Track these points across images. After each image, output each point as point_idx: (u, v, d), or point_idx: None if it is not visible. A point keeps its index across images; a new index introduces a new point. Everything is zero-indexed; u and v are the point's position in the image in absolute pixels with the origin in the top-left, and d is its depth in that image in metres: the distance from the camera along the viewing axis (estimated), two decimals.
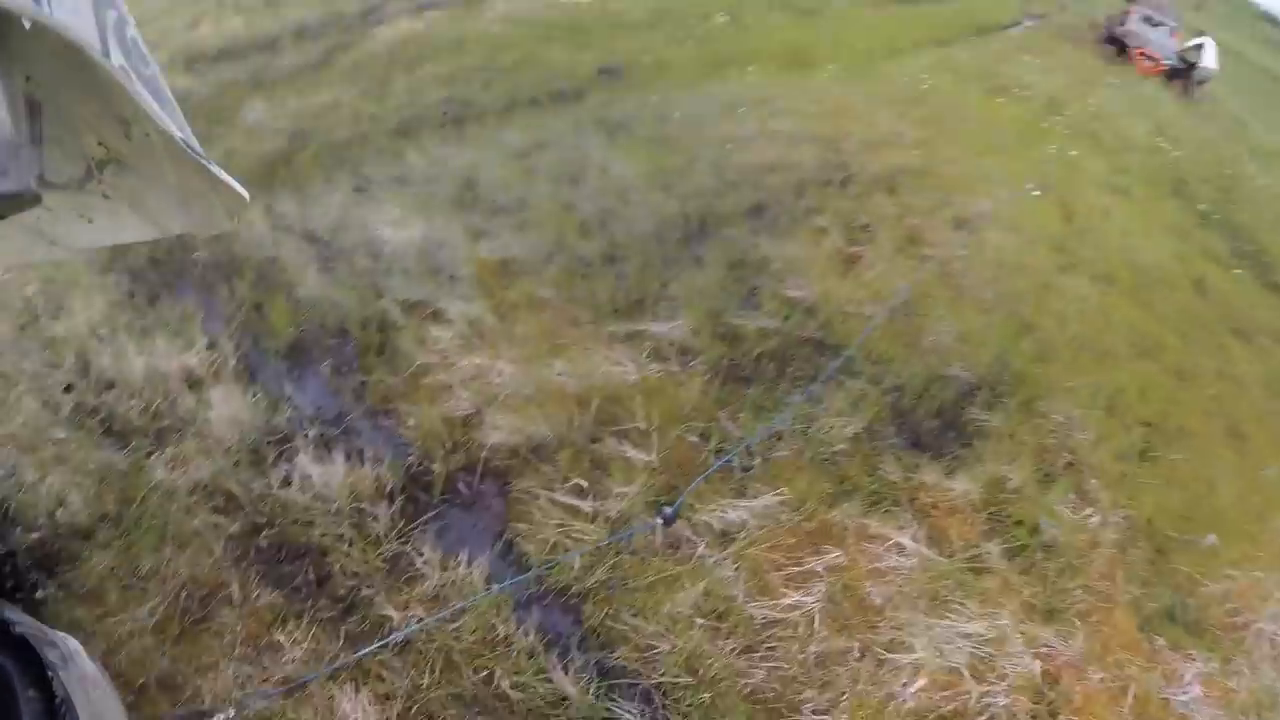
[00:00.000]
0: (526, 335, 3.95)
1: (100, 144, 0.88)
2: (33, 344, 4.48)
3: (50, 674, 0.77)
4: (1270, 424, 5.24)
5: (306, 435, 3.56)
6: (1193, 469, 4.40)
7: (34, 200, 0.73)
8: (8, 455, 3.75)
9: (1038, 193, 7.10)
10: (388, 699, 2.64)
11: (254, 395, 3.78)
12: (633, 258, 4.57)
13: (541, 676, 2.63)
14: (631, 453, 3.35)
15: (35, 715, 0.72)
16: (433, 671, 2.69)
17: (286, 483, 3.38)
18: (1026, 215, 6.60)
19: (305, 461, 3.38)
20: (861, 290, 4.77)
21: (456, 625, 2.81)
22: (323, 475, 3.31)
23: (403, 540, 3.12)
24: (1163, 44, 17.30)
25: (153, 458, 3.64)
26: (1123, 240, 6.99)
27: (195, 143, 0.91)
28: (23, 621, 0.82)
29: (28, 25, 0.59)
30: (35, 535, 3.40)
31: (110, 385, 4.07)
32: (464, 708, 2.60)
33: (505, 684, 2.62)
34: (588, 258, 4.55)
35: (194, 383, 3.96)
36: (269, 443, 3.59)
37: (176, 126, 0.85)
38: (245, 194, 1.03)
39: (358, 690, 2.66)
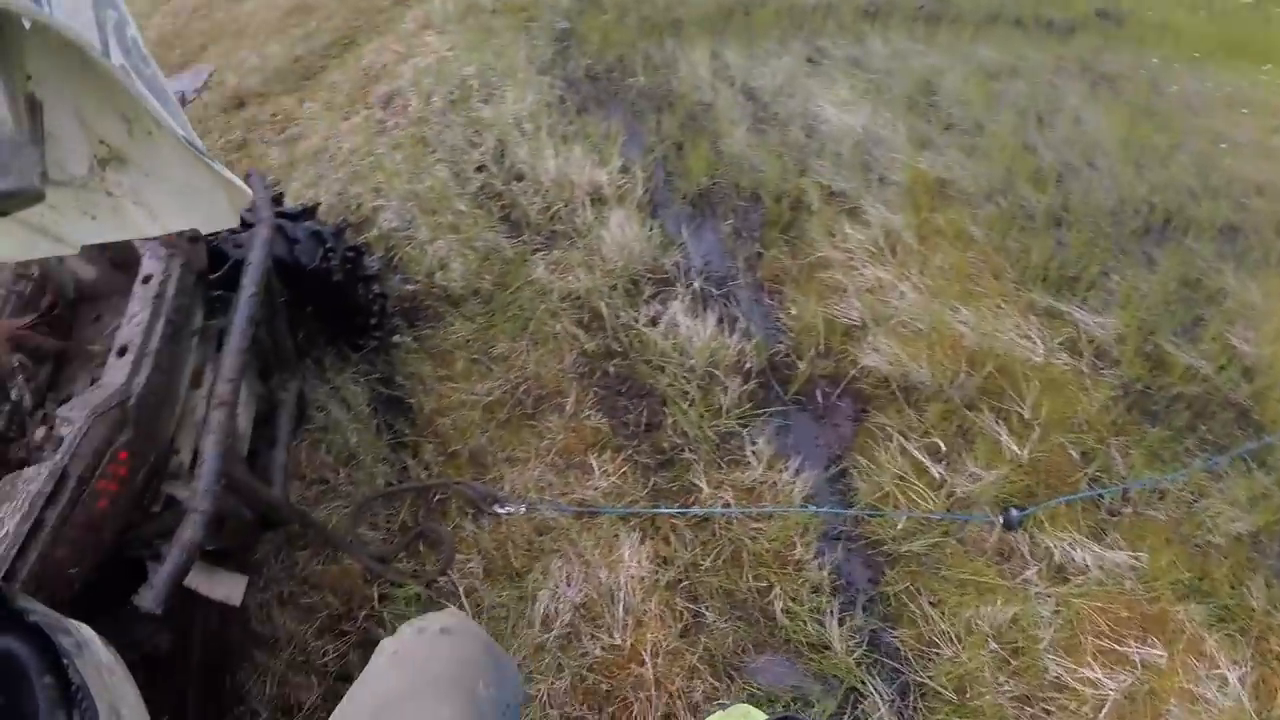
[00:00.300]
0: (942, 268, 3.59)
1: (102, 142, 0.88)
2: (459, 119, 4.75)
3: (65, 661, 0.76)
4: None
5: (689, 285, 3.50)
6: None
7: (37, 197, 0.73)
8: (410, 211, 4.01)
9: None
10: (666, 563, 2.60)
11: (650, 229, 3.80)
12: (1081, 228, 3.99)
13: (815, 615, 2.44)
14: (1005, 437, 2.96)
15: (51, 702, 0.71)
16: (717, 558, 2.60)
17: (653, 322, 3.35)
18: None
19: (678, 309, 3.33)
20: None
21: (759, 525, 2.67)
22: (690, 328, 3.25)
23: (742, 422, 3.01)
24: None
25: (538, 255, 3.75)
26: None
27: (198, 140, 0.92)
28: (36, 609, 0.81)
29: (27, 25, 0.60)
30: (411, 288, 3.61)
31: (519, 177, 4.23)
32: (730, 605, 2.49)
33: (778, 605, 2.47)
34: (1032, 210, 4.04)
35: (598, 199, 4.04)
36: (650, 279, 3.57)
37: (179, 125, 0.87)
38: (249, 190, 1.05)
39: (642, 542, 2.66)
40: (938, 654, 2.41)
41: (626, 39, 5.45)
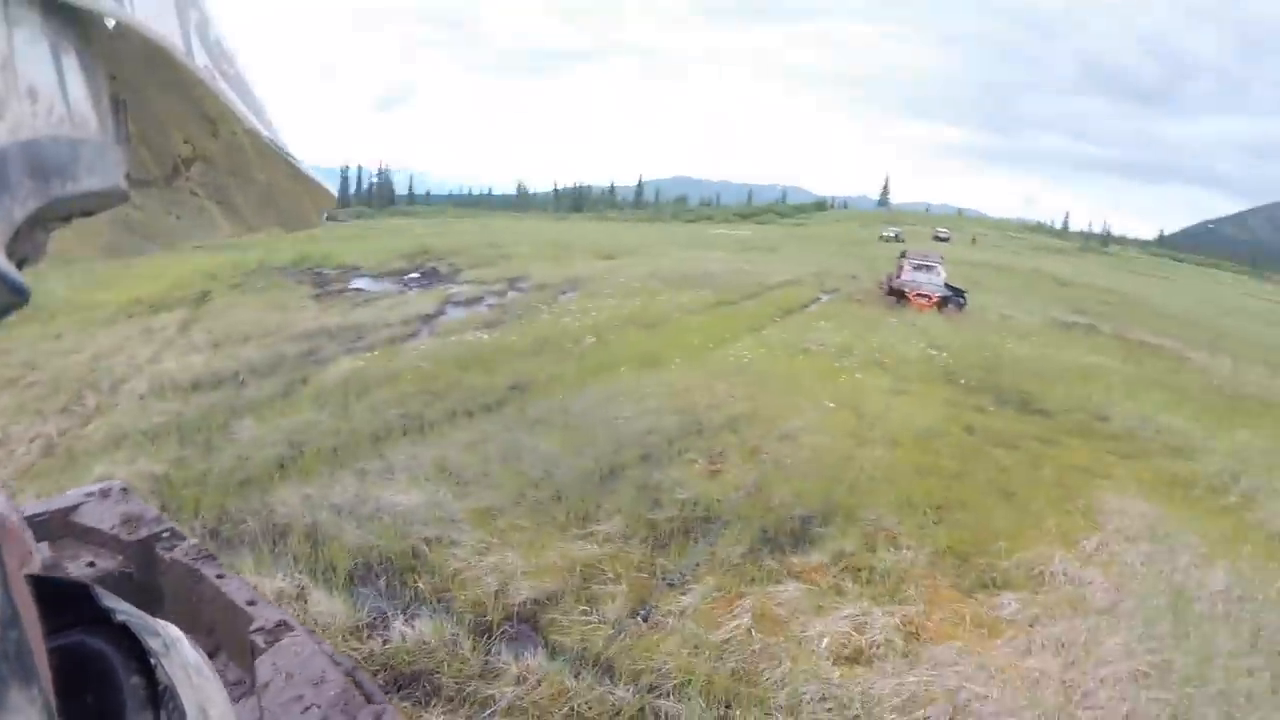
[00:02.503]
0: (519, 543, 5.83)
1: (186, 142, 0.82)
2: None
3: (153, 661, 0.68)
4: (1031, 486, 8.21)
5: (388, 617, 5.23)
6: (975, 517, 7.09)
7: (123, 197, 0.65)
8: None
9: (833, 405, 10.27)
10: None
11: (339, 600, 5.05)
12: (572, 495, 6.67)
13: None
14: (612, 588, 5.34)
15: (139, 703, 0.64)
16: None
17: (386, 641, 4.98)
18: (828, 422, 9.59)
19: (399, 624, 5.04)
20: (726, 487, 7.21)
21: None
22: (415, 631, 4.94)
23: (484, 654, 4.65)
24: (934, 282, 22.09)
25: None
26: (903, 420, 10.07)
27: (283, 141, 0.87)
28: (124, 609, 0.71)
29: (112, 25, 0.57)
30: None
31: None
32: None
33: None
34: (543, 500, 6.60)
35: (287, 599, 5.32)
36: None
37: (263, 125, 0.81)
38: (333, 191, 1.05)
39: None
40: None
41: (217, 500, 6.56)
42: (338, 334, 13.19)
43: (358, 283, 19.70)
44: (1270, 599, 6.30)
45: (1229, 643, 5.52)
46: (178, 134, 0.83)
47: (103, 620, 0.69)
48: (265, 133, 0.81)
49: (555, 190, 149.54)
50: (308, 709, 1.64)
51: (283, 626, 1.99)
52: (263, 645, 1.76)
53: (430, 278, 21.40)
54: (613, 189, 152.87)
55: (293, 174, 0.93)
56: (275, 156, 0.86)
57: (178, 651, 0.75)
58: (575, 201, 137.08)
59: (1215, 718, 4.73)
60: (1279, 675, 5.22)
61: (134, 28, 0.57)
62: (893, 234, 69.55)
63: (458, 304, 17.83)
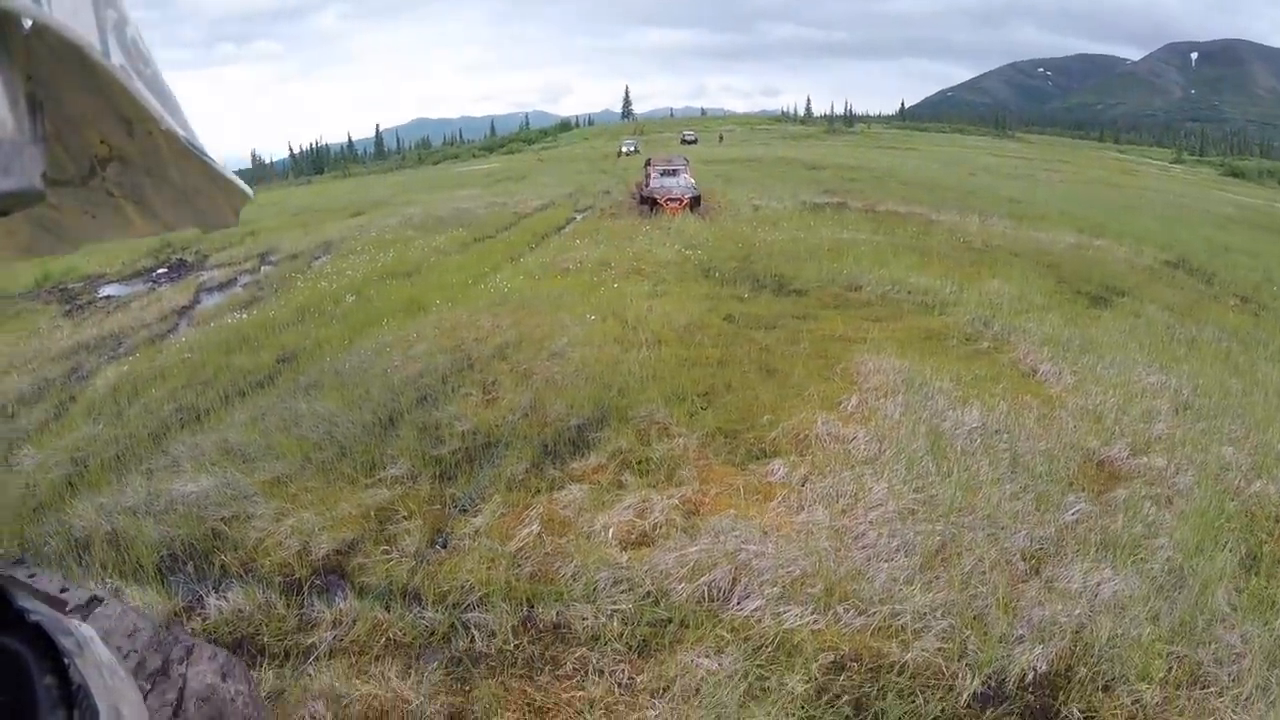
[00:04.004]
0: (313, 503, 6.06)
1: (103, 142, 0.86)
2: None
3: (66, 661, 0.74)
4: (791, 360, 8.93)
5: (202, 597, 5.41)
6: (741, 398, 7.78)
7: (38, 197, 0.70)
8: None
9: (595, 318, 10.84)
10: None
11: (153, 592, 5.09)
12: (356, 449, 7.00)
13: None
14: (407, 524, 5.77)
15: (52, 702, 0.70)
16: None
17: (205, 619, 5.31)
18: (593, 333, 10.15)
19: (214, 601, 5.28)
20: (502, 412, 7.71)
21: None
22: (230, 603, 5.22)
23: (299, 609, 4.94)
24: (681, 185, 23.01)
25: None
26: (664, 319, 10.77)
27: (199, 140, 0.90)
28: (38, 609, 0.78)
29: (27, 25, 0.58)
30: None
31: None
32: None
33: None
34: (329, 459, 6.86)
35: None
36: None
37: (179, 125, 0.84)
38: (249, 190, 1.06)
39: None
40: None
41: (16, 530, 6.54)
42: (96, 345, 12.74)
43: (106, 290, 18.72)
44: (1026, 428, 6.93)
45: (990, 472, 6.02)
46: (94, 134, 0.84)
47: (16, 621, 0.73)
48: (182, 133, 0.84)
49: (292, 154, 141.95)
50: (127, 655, 1.88)
51: (95, 600, 2.38)
52: (79, 619, 2.11)
53: (178, 269, 20.54)
54: (351, 143, 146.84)
55: (209, 174, 0.94)
56: (192, 156, 0.88)
57: (91, 651, 0.80)
58: (315, 163, 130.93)
59: (983, 539, 5.12)
60: (1040, 495, 5.73)
61: (51, 28, 0.59)
62: (631, 147, 65.57)
63: (211, 290, 17.40)
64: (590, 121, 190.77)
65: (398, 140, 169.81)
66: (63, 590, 2.16)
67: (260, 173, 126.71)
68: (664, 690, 4.04)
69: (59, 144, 0.86)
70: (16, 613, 0.77)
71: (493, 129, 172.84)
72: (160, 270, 20.42)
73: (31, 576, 2.15)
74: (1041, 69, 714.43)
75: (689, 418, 7.34)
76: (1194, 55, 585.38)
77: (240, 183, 1.03)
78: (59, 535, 6.03)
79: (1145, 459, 6.55)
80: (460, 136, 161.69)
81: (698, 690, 4.02)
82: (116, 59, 0.72)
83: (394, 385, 8.55)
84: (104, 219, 1.03)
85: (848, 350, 9.21)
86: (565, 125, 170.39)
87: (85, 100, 0.77)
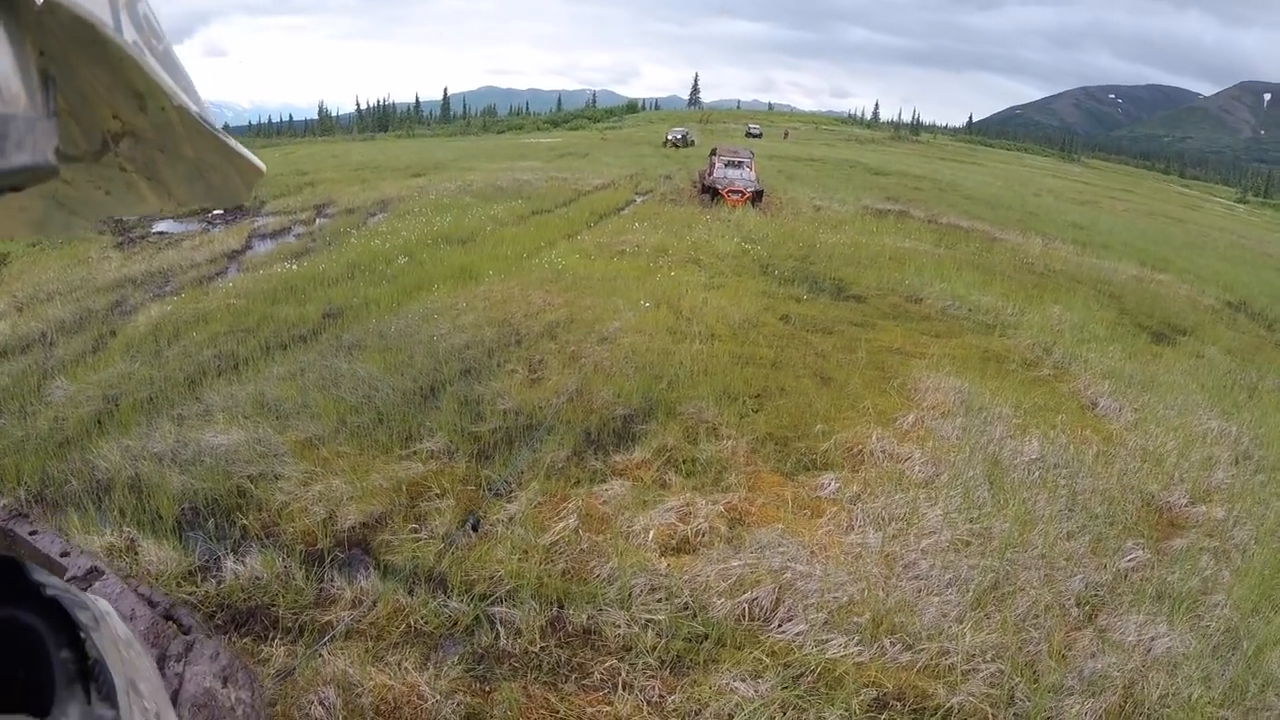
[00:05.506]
0: (344, 469, 5.86)
1: (115, 117, 0.83)
2: None
3: (83, 635, 0.73)
4: (847, 369, 8.62)
5: (219, 558, 5.20)
6: (794, 403, 7.46)
7: (51, 172, 0.68)
8: None
9: (649, 304, 10.49)
10: None
11: (169, 547, 4.92)
12: (394, 417, 6.77)
13: None
14: (439, 503, 5.50)
15: (68, 676, 0.69)
16: None
17: (220, 582, 5.01)
18: (646, 321, 9.85)
19: (231, 564, 5.04)
20: (547, 393, 7.40)
21: None
22: (247, 568, 4.88)
23: (318, 582, 4.71)
24: (745, 178, 22.68)
25: None
26: (719, 313, 10.48)
27: (211, 116, 0.88)
28: (53, 583, 0.77)
29: (39, 1, 0.57)
30: None
31: None
32: None
33: None
34: (365, 424, 6.63)
35: (116, 552, 4.93)
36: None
37: (191, 100, 0.82)
38: (262, 165, 1.03)
39: None
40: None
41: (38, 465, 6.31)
42: (144, 281, 12.65)
43: (160, 226, 18.71)
44: (1085, 465, 6.62)
45: (1047, 508, 5.78)
46: (106, 109, 0.84)
47: (33, 595, 0.74)
48: (194, 108, 0.84)
49: (359, 109, 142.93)
50: None
51: (94, 572, 2.17)
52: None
53: (234, 213, 20.42)
54: (418, 104, 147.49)
55: (222, 149, 0.94)
56: (204, 131, 0.88)
57: (107, 625, 0.80)
58: (380, 120, 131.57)
59: (1037, 580, 4.91)
60: (1098, 537, 5.50)
61: (62, 3, 0.60)
62: (679, 135, 60.17)
63: (264, 237, 17.27)
64: (656, 105, 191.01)
65: (464, 106, 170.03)
66: (63, 554, 2.09)
67: (326, 125, 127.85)
68: (696, 714, 3.77)
69: (71, 119, 0.84)
70: (33, 586, 0.75)
71: (559, 104, 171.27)
72: (217, 212, 20.39)
73: (33, 534, 2.10)
74: (1112, 95, 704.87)
75: (739, 419, 7.05)
76: (1267, 96, 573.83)
77: (254, 157, 1.00)
78: (81, 474, 5.89)
79: (1204, 508, 6.25)
80: (527, 108, 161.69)
81: (731, 717, 3.75)
82: (129, 35, 0.72)
83: (438, 354, 8.30)
84: (117, 194, 1.01)
85: (905, 364, 8.91)
86: (632, 107, 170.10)
87: (97, 75, 0.76)
